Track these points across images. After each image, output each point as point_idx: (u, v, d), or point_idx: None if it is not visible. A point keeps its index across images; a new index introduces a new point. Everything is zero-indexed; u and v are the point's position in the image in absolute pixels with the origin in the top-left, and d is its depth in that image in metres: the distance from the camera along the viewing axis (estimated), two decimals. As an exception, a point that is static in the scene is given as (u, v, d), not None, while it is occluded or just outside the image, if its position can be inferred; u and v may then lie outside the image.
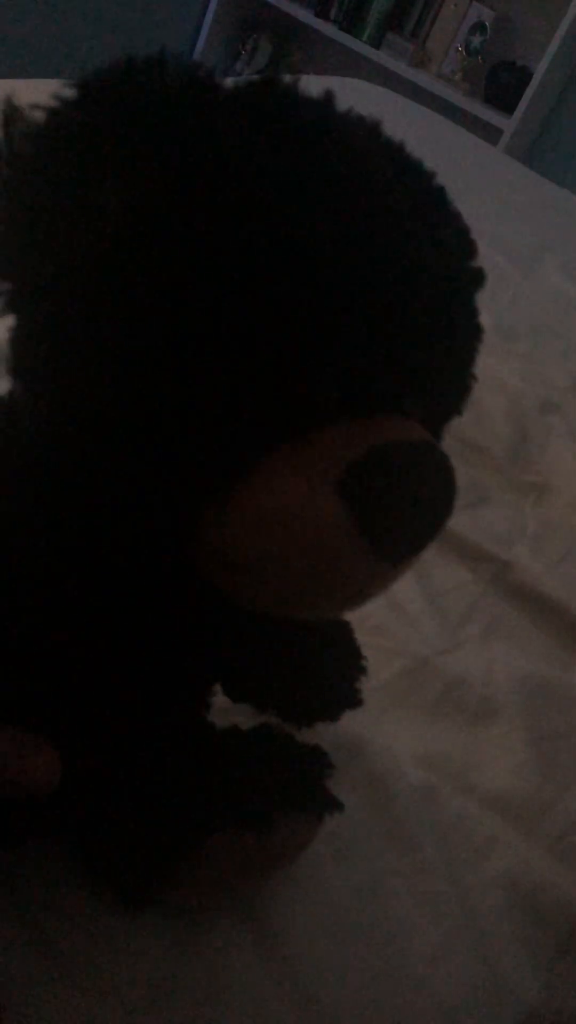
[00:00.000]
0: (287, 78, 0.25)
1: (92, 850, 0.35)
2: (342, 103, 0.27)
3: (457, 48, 2.57)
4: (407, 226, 0.25)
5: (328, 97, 0.26)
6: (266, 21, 2.79)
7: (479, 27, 2.52)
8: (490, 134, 2.37)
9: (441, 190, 0.28)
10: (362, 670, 0.45)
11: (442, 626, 0.58)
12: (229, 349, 0.22)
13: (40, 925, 0.34)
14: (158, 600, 0.30)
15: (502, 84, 2.52)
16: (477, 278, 0.29)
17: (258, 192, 0.22)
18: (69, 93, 0.24)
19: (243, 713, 0.42)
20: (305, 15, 2.67)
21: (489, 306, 1.07)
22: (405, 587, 0.60)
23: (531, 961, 0.41)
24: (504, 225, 1.38)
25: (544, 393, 0.92)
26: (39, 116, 0.24)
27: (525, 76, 2.46)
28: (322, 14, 2.67)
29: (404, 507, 0.24)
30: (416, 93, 2.31)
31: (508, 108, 2.49)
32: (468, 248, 0.28)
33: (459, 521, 0.67)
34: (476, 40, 2.54)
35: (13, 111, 0.24)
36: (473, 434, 0.79)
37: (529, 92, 2.41)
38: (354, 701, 0.45)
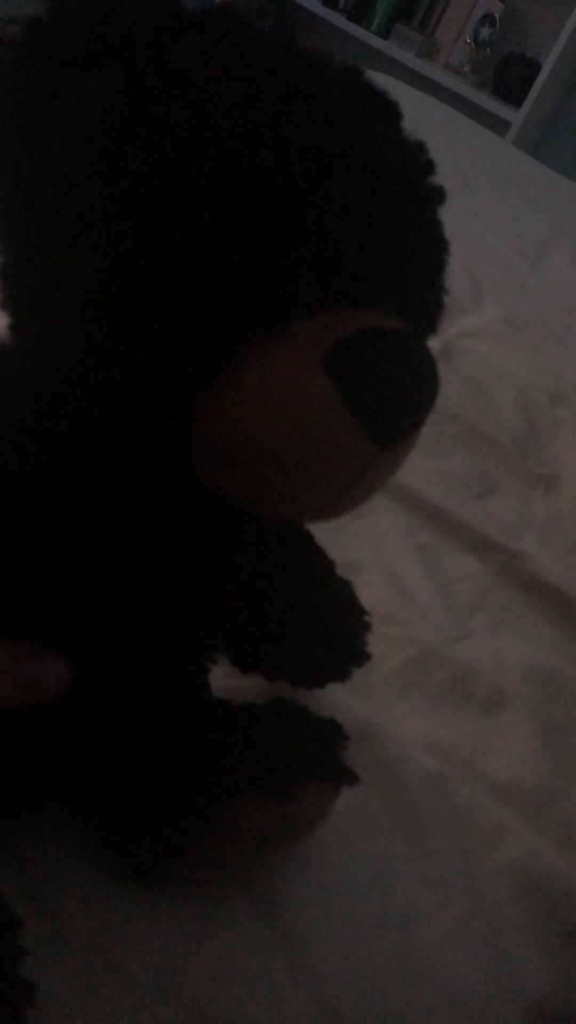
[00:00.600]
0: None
1: (107, 825, 0.35)
2: None
3: (466, 39, 2.56)
4: (370, 129, 0.26)
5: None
6: (273, 10, 2.77)
7: (488, 19, 2.51)
8: (498, 126, 2.36)
9: (395, 105, 0.29)
10: (366, 626, 0.45)
11: (451, 616, 0.58)
12: (208, 241, 0.23)
13: (49, 907, 0.34)
14: (159, 536, 0.29)
15: (511, 76, 2.51)
16: (438, 193, 0.29)
17: (227, 90, 0.24)
18: (43, 8, 0.25)
19: (253, 693, 0.42)
20: (312, 4, 2.66)
21: (498, 297, 1.08)
22: (414, 576, 0.60)
23: (540, 950, 0.41)
24: (512, 217, 1.37)
25: (553, 384, 0.92)
26: (16, 30, 0.25)
27: (534, 68, 2.45)
28: (330, 3, 2.65)
29: (391, 385, 0.25)
30: (424, 84, 2.30)
31: (516, 100, 2.48)
32: (427, 164, 0.29)
33: (468, 511, 0.67)
34: (485, 32, 2.53)
35: None
36: (482, 425, 0.79)
37: (538, 84, 2.40)
38: (362, 657, 0.45)
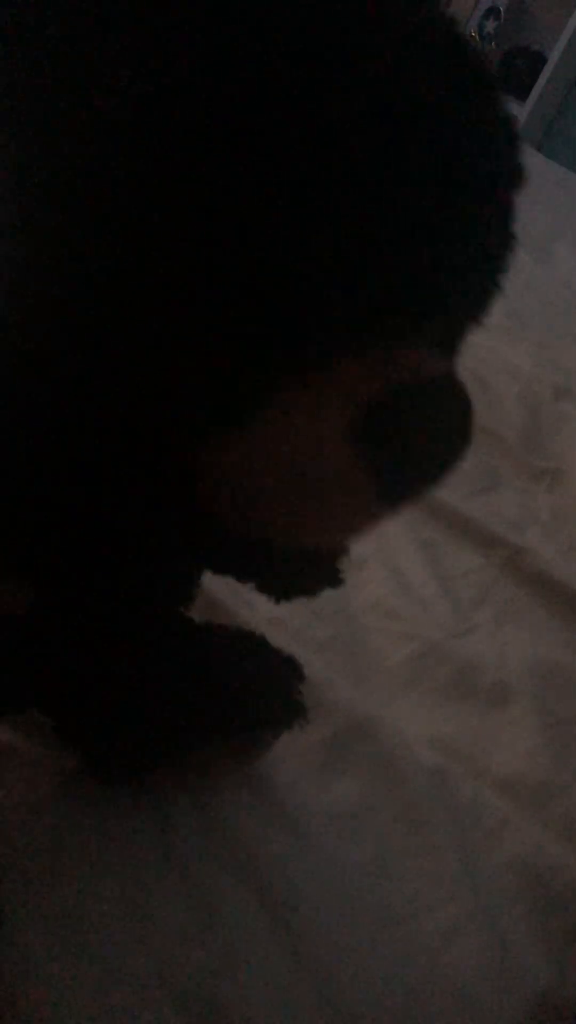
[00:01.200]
0: None
1: (73, 736, 0.37)
2: None
3: (471, 33, 2.55)
4: (449, 115, 0.21)
5: None
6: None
7: (493, 12, 2.50)
8: (503, 120, 2.35)
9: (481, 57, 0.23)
10: (344, 551, 0.45)
11: (454, 610, 0.58)
12: (239, 278, 0.20)
13: (49, 898, 0.34)
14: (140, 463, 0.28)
15: (516, 70, 2.50)
16: (518, 176, 0.25)
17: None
18: None
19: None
20: None
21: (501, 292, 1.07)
22: (418, 571, 0.60)
23: (543, 944, 0.41)
24: (517, 211, 1.37)
25: (557, 379, 0.91)
26: None
27: (539, 62, 2.43)
28: None
29: (415, 452, 0.24)
30: (429, 78, 2.29)
31: (521, 94, 2.47)
32: (513, 140, 0.24)
33: (472, 506, 0.67)
34: (490, 25, 2.52)
35: None
36: (486, 419, 0.78)
37: (543, 78, 2.39)
38: (335, 580, 0.44)
